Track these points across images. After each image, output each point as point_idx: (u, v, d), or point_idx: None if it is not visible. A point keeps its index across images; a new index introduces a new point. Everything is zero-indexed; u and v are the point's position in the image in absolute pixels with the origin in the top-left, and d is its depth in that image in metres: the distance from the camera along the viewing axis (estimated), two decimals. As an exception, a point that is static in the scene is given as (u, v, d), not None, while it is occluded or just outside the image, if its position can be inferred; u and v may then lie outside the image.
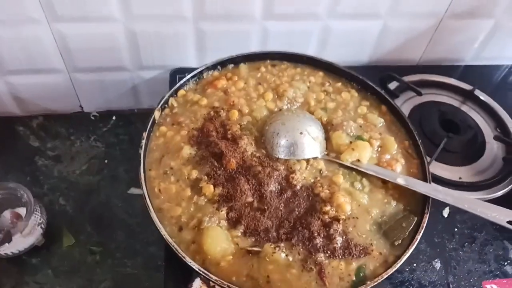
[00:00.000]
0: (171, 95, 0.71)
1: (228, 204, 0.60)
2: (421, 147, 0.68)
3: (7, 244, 0.69)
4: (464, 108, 0.96)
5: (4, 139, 0.93)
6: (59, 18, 0.77)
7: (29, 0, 0.73)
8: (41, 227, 0.77)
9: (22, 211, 0.77)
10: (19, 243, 0.74)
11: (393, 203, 0.64)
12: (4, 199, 0.77)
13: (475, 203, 0.60)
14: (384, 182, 0.65)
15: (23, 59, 0.84)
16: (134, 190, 0.88)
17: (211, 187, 0.61)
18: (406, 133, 0.72)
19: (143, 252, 0.81)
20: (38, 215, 0.77)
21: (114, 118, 1.00)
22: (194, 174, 0.63)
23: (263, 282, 0.55)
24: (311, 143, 0.66)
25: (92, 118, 1.00)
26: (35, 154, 0.92)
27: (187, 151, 0.65)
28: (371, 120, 0.72)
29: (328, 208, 0.60)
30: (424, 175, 0.66)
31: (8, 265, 0.76)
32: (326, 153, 0.68)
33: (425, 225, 0.60)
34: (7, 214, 0.78)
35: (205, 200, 0.60)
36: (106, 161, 0.92)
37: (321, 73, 0.79)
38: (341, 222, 0.60)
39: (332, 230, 0.58)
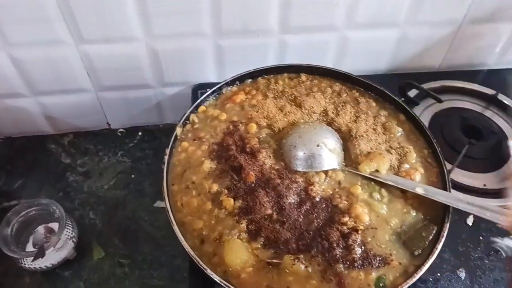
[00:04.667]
0: (192, 111, 0.74)
1: (247, 216, 0.61)
2: (440, 156, 0.68)
3: (40, 258, 0.73)
4: (487, 113, 0.94)
5: (37, 156, 0.98)
6: (85, 40, 0.81)
7: (57, 23, 0.77)
8: (72, 241, 0.80)
9: (54, 226, 0.81)
10: (53, 257, 0.77)
11: (413, 212, 0.63)
12: (38, 215, 0.81)
13: (497, 212, 0.59)
14: (403, 191, 0.65)
15: (53, 80, 0.88)
16: (159, 204, 0.91)
17: (231, 200, 0.62)
18: (426, 142, 0.72)
19: (169, 264, 0.83)
20: (69, 229, 0.80)
21: (140, 133, 1.04)
22: (215, 187, 0.65)
23: (283, 293, 0.56)
24: (328, 155, 0.67)
25: (119, 134, 1.04)
26: (66, 170, 0.96)
27: (208, 165, 0.67)
28: (389, 130, 0.72)
29: (346, 219, 0.61)
30: (444, 184, 0.66)
31: (42, 278, 0.80)
32: (344, 164, 0.69)
33: (445, 234, 0.59)
34: (41, 229, 0.82)
35: (226, 213, 0.62)
36: (132, 175, 0.96)
37: (338, 84, 0.80)
38: (359, 232, 0.60)
39: (350, 240, 0.59)
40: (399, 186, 0.65)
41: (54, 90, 0.91)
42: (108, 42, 0.83)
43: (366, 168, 0.67)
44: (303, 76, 0.80)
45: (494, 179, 0.82)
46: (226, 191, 0.64)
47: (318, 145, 0.67)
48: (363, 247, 0.59)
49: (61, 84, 0.90)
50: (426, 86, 0.93)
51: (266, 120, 0.73)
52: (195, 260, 0.56)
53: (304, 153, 0.66)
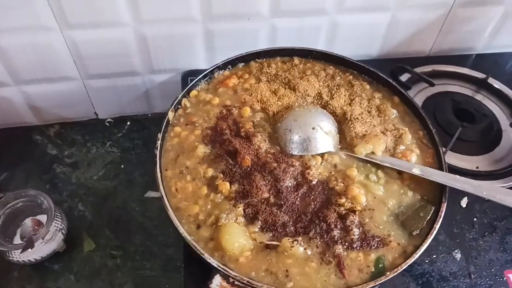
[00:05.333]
0: (184, 96, 0.72)
1: (244, 200, 0.60)
2: (435, 136, 0.68)
3: (30, 250, 0.70)
4: (478, 97, 0.95)
5: (22, 149, 0.95)
6: (70, 26, 0.79)
7: (41, 8, 0.75)
8: (62, 233, 0.78)
9: (43, 218, 0.79)
10: (41, 250, 0.75)
11: (410, 193, 0.63)
12: (25, 207, 0.78)
13: (493, 190, 0.60)
14: (400, 173, 0.65)
15: (37, 68, 0.85)
16: (150, 194, 0.89)
17: (227, 184, 0.61)
18: (420, 123, 0.72)
19: (162, 254, 0.81)
20: (58, 221, 0.78)
21: (128, 123, 1.01)
22: (210, 172, 0.63)
23: (282, 276, 0.55)
24: (324, 138, 0.66)
25: (107, 124, 1.01)
26: (53, 162, 0.94)
27: (202, 150, 0.65)
28: (384, 112, 0.72)
29: (343, 200, 0.61)
30: (440, 164, 0.66)
31: (31, 271, 0.78)
32: (340, 147, 0.68)
33: (443, 214, 0.59)
34: (28, 222, 0.79)
35: (222, 197, 0.61)
36: (122, 166, 0.94)
37: (331, 67, 0.79)
38: (357, 213, 0.60)
39: (348, 221, 0.58)
40: (396, 167, 0.64)
41: (38, 78, 0.88)
42: (95, 27, 0.80)
43: (362, 150, 0.66)
44: (296, 60, 0.79)
45: (486, 161, 0.82)
46: (221, 175, 0.62)
47: (313, 128, 0.66)
48: (361, 228, 0.59)
49: (46, 72, 0.87)
50: (417, 70, 0.93)
51: (260, 103, 0.72)
52: (191, 245, 0.55)
53: (300, 136, 0.66)
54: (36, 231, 0.77)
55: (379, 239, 0.58)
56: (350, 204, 0.60)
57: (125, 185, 0.91)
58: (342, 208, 0.60)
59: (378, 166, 0.66)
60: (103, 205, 0.87)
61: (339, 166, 0.66)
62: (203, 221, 0.59)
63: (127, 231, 0.84)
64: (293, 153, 0.66)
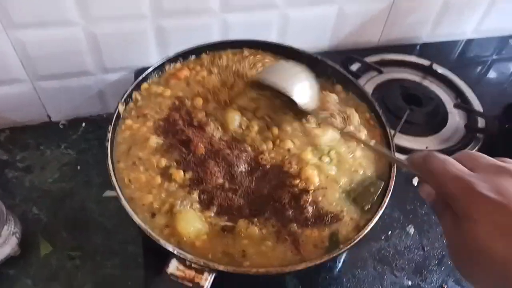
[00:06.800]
0: (134, 89, 0.72)
1: (199, 187, 0.60)
2: (382, 116, 0.70)
3: (-19, 254, 0.68)
4: (425, 82, 0.99)
5: (-29, 156, 0.92)
6: (16, 25, 0.77)
7: (-18, 6, 0.73)
8: (16, 237, 0.76)
9: (-6, 223, 0.76)
10: (-6, 255, 0.73)
11: (360, 171, 0.65)
12: (-26, 213, 0.75)
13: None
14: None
15: (-18, 71, 0.83)
16: (108, 193, 0.88)
17: (181, 172, 0.61)
18: (368, 107, 0.74)
19: (122, 252, 0.80)
20: (11, 224, 0.75)
21: (83, 124, 0.99)
22: (163, 162, 0.63)
23: (238, 256, 0.55)
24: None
25: (61, 126, 0.99)
26: (4, 167, 0.90)
27: (154, 140, 0.65)
28: (330, 99, 0.74)
29: (297, 181, 0.62)
30: (388, 144, 0.68)
31: (-16, 278, 0.75)
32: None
33: (392, 188, 0.61)
34: (-22, 228, 0.77)
35: (176, 185, 0.61)
36: (78, 167, 0.92)
37: (281, 59, 0.80)
38: (310, 192, 0.61)
39: (302, 201, 0.60)
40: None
41: (-17, 81, 0.85)
42: (41, 26, 0.78)
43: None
44: (246, 51, 0.81)
45: (435, 141, 0.87)
46: (175, 164, 0.63)
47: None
48: (314, 206, 0.60)
49: (-8, 74, 0.84)
50: (367, 60, 0.97)
51: (212, 94, 0.72)
52: (146, 233, 0.54)
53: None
54: (-12, 237, 0.75)
55: (332, 215, 0.60)
56: (303, 184, 0.62)
57: (82, 186, 0.89)
58: (296, 189, 0.61)
59: (330, 147, 0.67)
60: (60, 207, 0.85)
61: (293, 150, 0.67)
62: (157, 210, 0.59)
63: (85, 232, 0.82)
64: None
